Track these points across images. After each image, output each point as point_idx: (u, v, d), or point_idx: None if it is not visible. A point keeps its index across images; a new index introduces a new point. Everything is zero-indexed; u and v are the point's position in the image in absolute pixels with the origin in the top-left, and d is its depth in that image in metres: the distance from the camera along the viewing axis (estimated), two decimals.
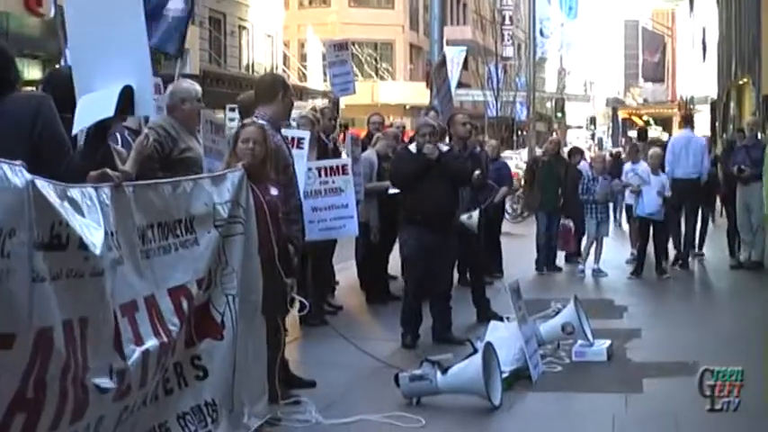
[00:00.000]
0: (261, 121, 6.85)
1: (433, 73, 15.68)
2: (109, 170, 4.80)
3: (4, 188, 3.42)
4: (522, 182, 17.59)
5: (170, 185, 5.25)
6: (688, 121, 16.36)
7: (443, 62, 16.18)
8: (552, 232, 14.89)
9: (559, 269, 14.77)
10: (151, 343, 4.64)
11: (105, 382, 4.13)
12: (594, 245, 14.45)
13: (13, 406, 3.49)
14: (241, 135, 6.45)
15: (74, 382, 3.84)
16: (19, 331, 3.45)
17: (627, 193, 14.67)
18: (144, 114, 6.17)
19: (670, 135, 44.05)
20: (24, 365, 3.50)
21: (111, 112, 5.24)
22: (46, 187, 3.74)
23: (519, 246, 15.96)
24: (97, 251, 4.06)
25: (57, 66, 7.29)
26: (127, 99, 5.35)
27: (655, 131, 50.49)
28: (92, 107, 5.29)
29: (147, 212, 4.84)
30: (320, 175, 9.68)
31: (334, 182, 9.74)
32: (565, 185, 15.00)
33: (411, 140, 10.43)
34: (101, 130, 5.33)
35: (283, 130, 7.66)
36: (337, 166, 9.85)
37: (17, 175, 3.52)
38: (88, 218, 4.12)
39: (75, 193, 4.07)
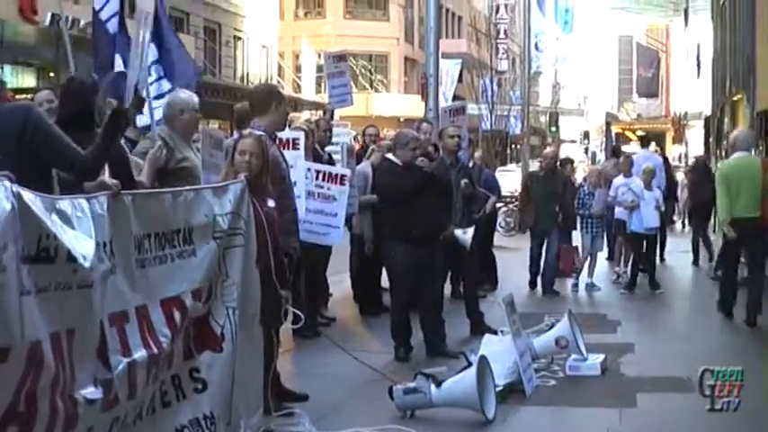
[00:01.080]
0: (258, 132, 6.83)
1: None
2: (107, 179, 4.79)
3: None
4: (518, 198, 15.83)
5: (170, 195, 5.23)
6: (647, 142, 16.92)
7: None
8: (552, 252, 14.04)
9: (557, 293, 13.73)
10: (139, 354, 4.61)
11: (91, 391, 4.11)
12: (589, 259, 14.45)
13: (5, 419, 3.47)
14: (238, 147, 6.42)
15: (62, 395, 3.82)
16: (13, 345, 3.43)
17: (616, 208, 14.66)
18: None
19: (663, 150, 44.15)
20: (17, 379, 3.49)
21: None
22: (33, 200, 3.72)
23: (512, 259, 15.93)
24: (87, 263, 4.05)
25: (71, 75, 7.28)
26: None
27: (650, 147, 50.45)
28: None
29: (145, 222, 4.82)
30: (317, 178, 9.66)
31: (329, 189, 9.71)
32: (565, 201, 14.25)
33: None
34: (115, 124, 5.28)
35: (279, 133, 7.67)
36: (336, 175, 9.83)
37: (1, 188, 3.50)
38: (78, 230, 4.10)
39: (64, 204, 4.06)
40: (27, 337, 3.55)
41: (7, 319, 3.42)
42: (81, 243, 4.05)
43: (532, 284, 14.11)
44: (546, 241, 14.01)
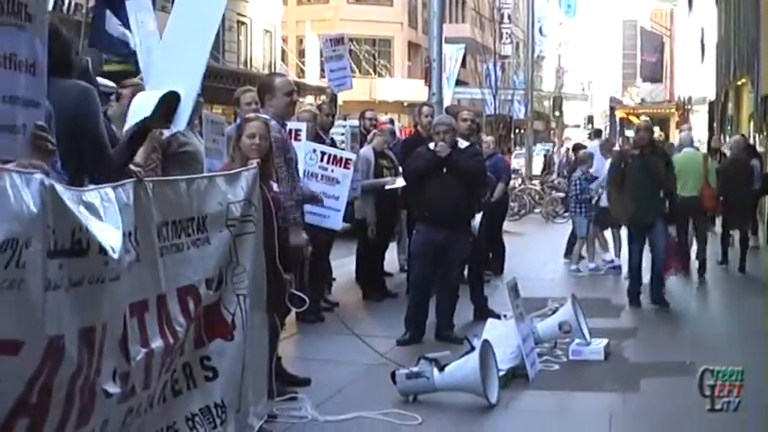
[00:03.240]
0: (264, 115, 6.82)
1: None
2: (130, 165, 4.73)
3: (18, 200, 3.36)
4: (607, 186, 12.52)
5: (185, 182, 5.19)
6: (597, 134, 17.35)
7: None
8: (658, 252, 11.47)
9: (668, 305, 11.35)
10: (156, 344, 4.56)
11: (111, 386, 4.08)
12: (585, 244, 14.58)
13: (15, 411, 3.45)
14: (246, 130, 6.37)
15: (82, 388, 3.79)
16: (28, 339, 3.40)
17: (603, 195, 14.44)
18: (177, 128, 6.21)
19: (667, 136, 44.05)
20: (31, 372, 3.46)
21: (147, 113, 5.18)
22: (64, 193, 3.67)
23: (518, 244, 15.94)
24: (115, 255, 3.98)
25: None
26: (169, 107, 5.29)
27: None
28: (141, 106, 5.25)
29: (163, 209, 4.75)
30: (321, 160, 9.66)
31: (333, 171, 9.72)
32: (670, 185, 11.61)
33: (413, 134, 10.39)
34: (142, 132, 5.23)
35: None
36: (341, 158, 9.84)
37: (32, 182, 3.45)
38: (106, 221, 4.02)
39: (91, 196, 3.98)
40: (47, 332, 3.51)
41: (22, 314, 3.38)
42: (109, 235, 3.97)
43: (635, 301, 11.45)
44: (647, 239, 11.53)
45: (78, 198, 3.81)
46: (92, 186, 4.24)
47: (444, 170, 9.07)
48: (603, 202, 13.94)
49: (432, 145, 9.33)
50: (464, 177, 9.20)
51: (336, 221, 9.98)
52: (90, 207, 3.90)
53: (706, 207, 14.31)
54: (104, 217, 4.02)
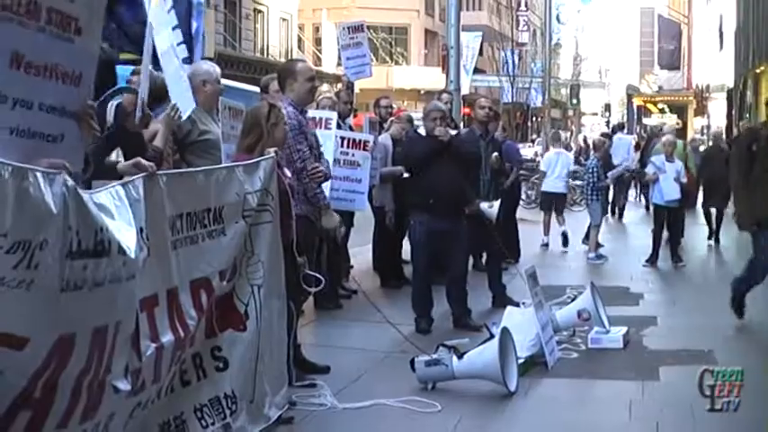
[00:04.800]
0: (280, 103, 6.83)
1: None
2: (142, 160, 4.69)
3: (37, 200, 3.35)
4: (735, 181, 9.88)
5: (202, 173, 5.17)
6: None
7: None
8: None
9: None
10: (167, 338, 4.54)
11: (122, 383, 4.07)
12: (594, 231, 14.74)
13: (17, 404, 3.45)
14: (281, 116, 6.38)
15: (91, 383, 3.78)
16: (34, 336, 3.40)
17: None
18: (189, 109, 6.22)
19: (685, 123, 43.87)
20: (35, 367, 3.46)
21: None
22: (85, 194, 3.66)
23: (536, 232, 15.92)
24: (133, 255, 3.98)
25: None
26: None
27: (670, 119, 50.25)
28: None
29: (177, 202, 4.71)
30: (342, 145, 9.73)
31: (353, 155, 9.83)
32: None
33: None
34: (119, 133, 5.20)
35: (311, 112, 7.71)
36: (359, 141, 9.92)
37: (55, 183, 3.44)
38: (119, 219, 4.01)
39: (102, 197, 3.96)
40: (57, 330, 3.51)
41: (30, 312, 3.37)
42: (124, 234, 3.97)
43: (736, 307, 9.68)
44: None
45: (90, 199, 3.79)
46: (101, 187, 4.19)
47: (443, 156, 8.98)
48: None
49: (422, 131, 9.34)
50: (464, 163, 9.18)
51: (362, 203, 10.25)
52: (102, 207, 3.88)
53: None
54: (117, 216, 4.00)
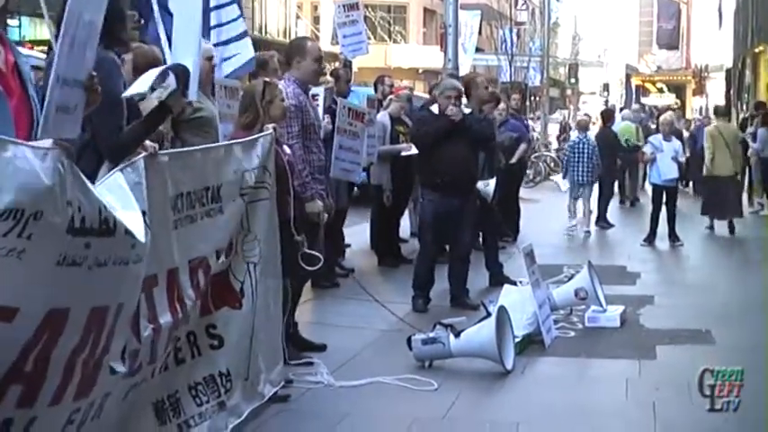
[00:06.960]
0: (276, 81, 6.81)
1: None
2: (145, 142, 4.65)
3: (24, 170, 3.31)
4: None
5: (201, 152, 5.13)
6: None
7: None
8: None
9: None
10: (165, 319, 4.50)
11: (119, 364, 4.04)
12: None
13: (9, 377, 3.44)
14: (277, 93, 6.37)
15: (86, 362, 3.76)
16: (24, 307, 3.37)
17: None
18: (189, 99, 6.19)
19: (683, 103, 43.81)
20: (25, 341, 3.43)
21: (144, 89, 5.01)
22: (82, 173, 3.62)
23: (534, 210, 15.93)
24: (142, 239, 3.91)
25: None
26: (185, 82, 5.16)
27: (668, 99, 50.19)
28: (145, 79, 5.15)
29: (177, 181, 4.67)
30: (348, 115, 9.73)
31: (355, 126, 9.82)
32: None
33: (431, 102, 10.32)
34: (160, 117, 5.09)
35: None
36: (359, 113, 10.00)
37: (47, 157, 3.40)
38: (123, 207, 3.93)
39: (99, 190, 3.84)
40: (48, 304, 3.48)
41: (20, 283, 3.34)
42: (131, 219, 3.90)
43: None
44: None
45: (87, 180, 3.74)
46: (99, 180, 4.14)
47: (455, 135, 8.93)
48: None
49: (435, 109, 9.27)
50: (476, 142, 9.14)
51: (358, 175, 10.32)
52: (104, 194, 3.82)
53: None
54: (120, 203, 3.93)
